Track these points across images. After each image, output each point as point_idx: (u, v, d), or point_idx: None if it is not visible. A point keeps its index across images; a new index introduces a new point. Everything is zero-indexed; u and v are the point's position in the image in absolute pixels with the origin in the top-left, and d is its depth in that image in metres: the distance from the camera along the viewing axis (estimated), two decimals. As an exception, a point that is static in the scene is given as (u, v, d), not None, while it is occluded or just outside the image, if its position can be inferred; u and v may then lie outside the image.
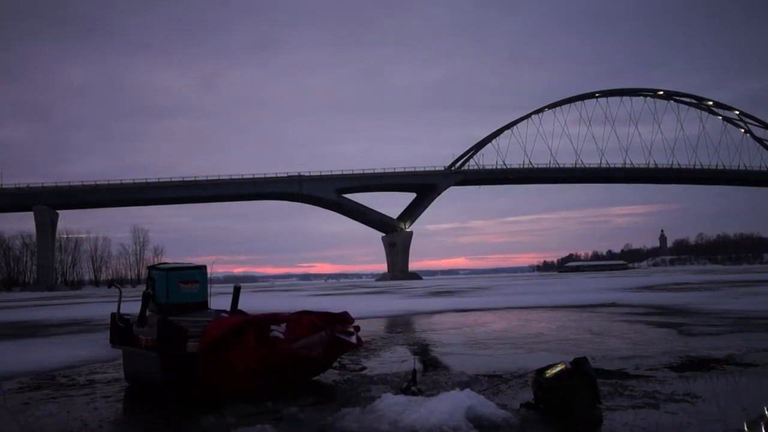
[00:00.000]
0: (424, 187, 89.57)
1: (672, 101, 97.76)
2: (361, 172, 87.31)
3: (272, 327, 3.35)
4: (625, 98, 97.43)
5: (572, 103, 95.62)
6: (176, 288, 3.36)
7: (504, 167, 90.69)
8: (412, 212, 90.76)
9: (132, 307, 3.67)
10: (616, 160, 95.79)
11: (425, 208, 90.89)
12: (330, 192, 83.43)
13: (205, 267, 3.54)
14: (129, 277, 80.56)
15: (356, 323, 3.82)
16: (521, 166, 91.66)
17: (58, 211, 78.15)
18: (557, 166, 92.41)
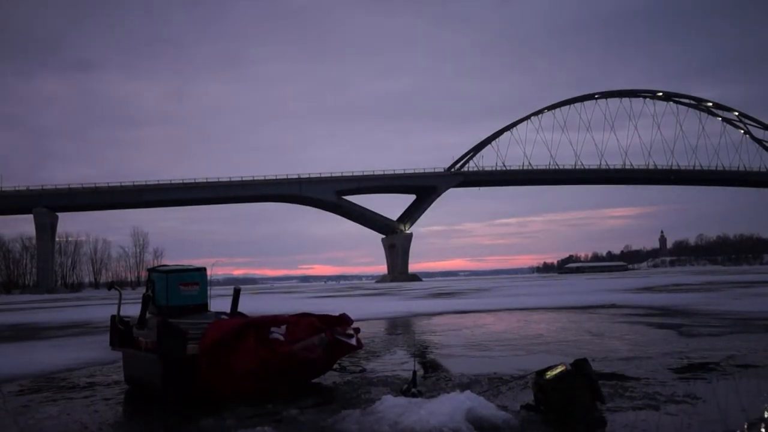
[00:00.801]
0: (424, 188, 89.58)
1: (671, 102, 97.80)
2: (361, 173, 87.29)
3: (272, 329, 3.35)
4: (625, 99, 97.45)
5: (571, 105, 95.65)
6: (176, 290, 3.36)
7: (504, 168, 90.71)
8: (411, 214, 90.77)
9: (132, 310, 3.67)
10: (615, 162, 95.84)
11: (425, 210, 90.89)
12: (330, 194, 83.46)
13: (204, 269, 3.54)
14: (129, 280, 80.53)
15: (356, 325, 3.82)
16: (521, 168, 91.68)
17: (58, 214, 78.12)
18: (557, 167, 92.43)
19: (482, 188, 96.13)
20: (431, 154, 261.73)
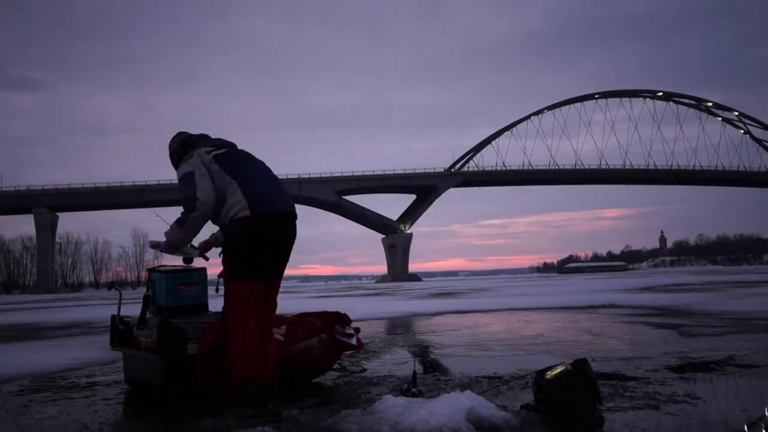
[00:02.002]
0: (424, 188, 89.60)
1: (671, 102, 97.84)
2: (361, 173, 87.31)
3: (272, 329, 3.35)
4: (625, 99, 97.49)
5: (571, 105, 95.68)
6: (176, 290, 3.36)
7: (504, 168, 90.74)
8: (411, 214, 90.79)
9: (132, 310, 3.67)
10: (615, 162, 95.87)
11: (425, 210, 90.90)
12: (330, 194, 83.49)
13: (204, 269, 3.54)
14: (129, 280, 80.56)
15: (356, 325, 3.82)
16: (521, 168, 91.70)
17: (58, 214, 78.11)
18: (557, 167, 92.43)
19: (487, 188, 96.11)
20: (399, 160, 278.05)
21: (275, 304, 3.25)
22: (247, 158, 3.21)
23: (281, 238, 3.07)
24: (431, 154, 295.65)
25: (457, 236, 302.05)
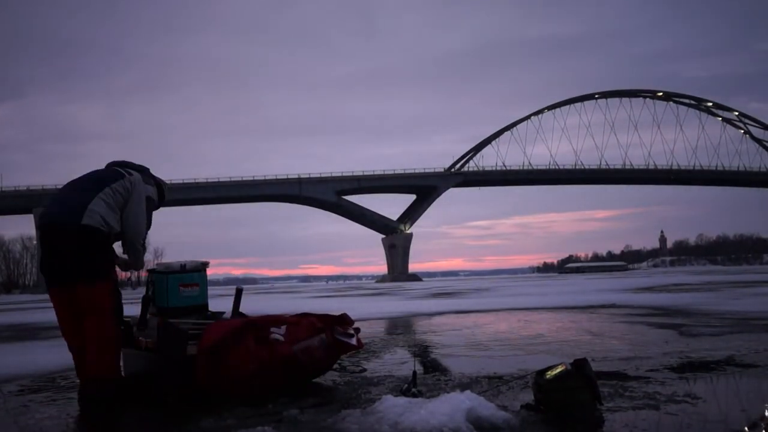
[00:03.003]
0: (424, 188, 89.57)
1: (671, 102, 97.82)
2: (361, 173, 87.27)
3: (272, 329, 3.35)
4: (625, 99, 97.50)
5: (571, 105, 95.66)
6: (176, 291, 3.36)
7: (504, 168, 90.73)
8: (412, 214, 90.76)
9: (132, 310, 3.66)
10: (615, 162, 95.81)
11: (425, 210, 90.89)
12: (330, 194, 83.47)
13: (204, 270, 3.54)
14: (129, 280, 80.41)
15: (356, 325, 3.82)
16: (521, 168, 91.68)
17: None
18: (557, 167, 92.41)
19: (487, 188, 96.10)
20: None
21: (86, 312, 3.15)
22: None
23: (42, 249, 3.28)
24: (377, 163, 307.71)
25: (457, 236, 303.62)
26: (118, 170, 3.41)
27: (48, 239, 3.24)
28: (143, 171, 3.56)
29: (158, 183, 3.70)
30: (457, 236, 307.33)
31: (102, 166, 3.54)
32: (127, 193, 3.31)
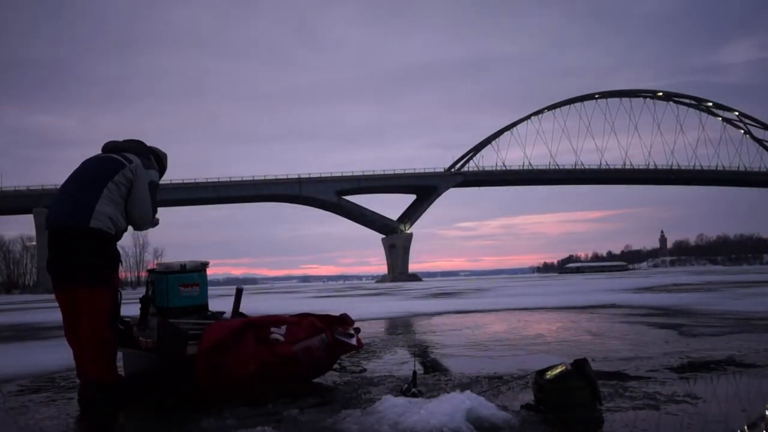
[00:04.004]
0: (424, 188, 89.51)
1: (671, 102, 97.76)
2: (361, 173, 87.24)
3: (272, 329, 3.35)
4: (625, 99, 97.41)
5: (571, 105, 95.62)
6: (176, 291, 3.36)
7: (504, 168, 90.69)
8: (412, 214, 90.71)
9: (132, 310, 3.66)
10: (615, 161, 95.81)
11: (425, 210, 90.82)
12: (330, 194, 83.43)
13: (204, 270, 3.53)
14: (129, 280, 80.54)
15: (356, 325, 3.82)
16: (521, 168, 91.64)
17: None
18: (557, 167, 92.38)
19: (487, 187, 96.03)
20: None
21: (82, 315, 3.14)
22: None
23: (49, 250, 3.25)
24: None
25: (457, 236, 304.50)
26: (116, 159, 3.29)
27: (55, 241, 3.19)
28: (141, 152, 3.41)
29: (157, 157, 3.58)
30: (457, 236, 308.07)
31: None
32: (129, 183, 3.24)
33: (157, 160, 3.58)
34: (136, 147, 3.45)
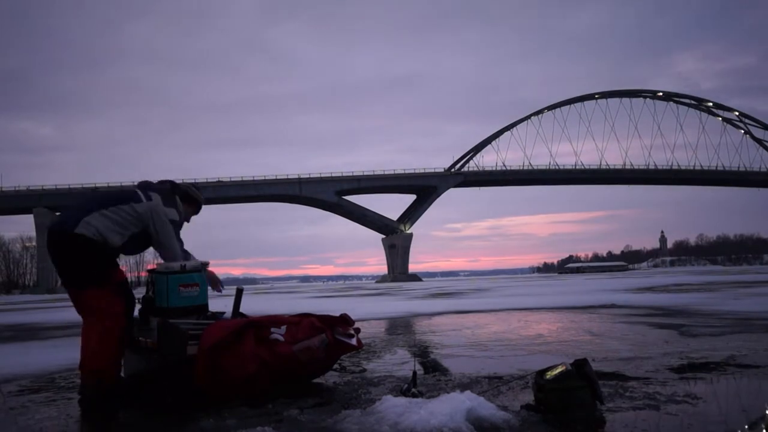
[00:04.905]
0: (424, 188, 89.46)
1: (671, 102, 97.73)
2: (361, 173, 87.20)
3: (272, 329, 3.35)
4: (625, 99, 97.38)
5: (572, 105, 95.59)
6: (176, 291, 3.36)
7: (504, 168, 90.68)
8: (412, 214, 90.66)
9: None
10: (615, 161, 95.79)
11: (425, 210, 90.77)
12: (330, 194, 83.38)
13: (204, 271, 3.53)
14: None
15: (357, 325, 3.82)
16: (521, 168, 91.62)
17: (58, 214, 77.89)
18: (557, 167, 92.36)
19: (487, 188, 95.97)
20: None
21: (80, 311, 3.33)
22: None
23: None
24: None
25: (458, 236, 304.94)
26: (132, 192, 3.46)
27: (48, 244, 3.39)
28: (164, 192, 3.54)
29: (188, 196, 3.70)
30: (457, 236, 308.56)
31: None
32: (136, 215, 3.34)
33: (187, 198, 3.71)
34: (160, 187, 3.61)
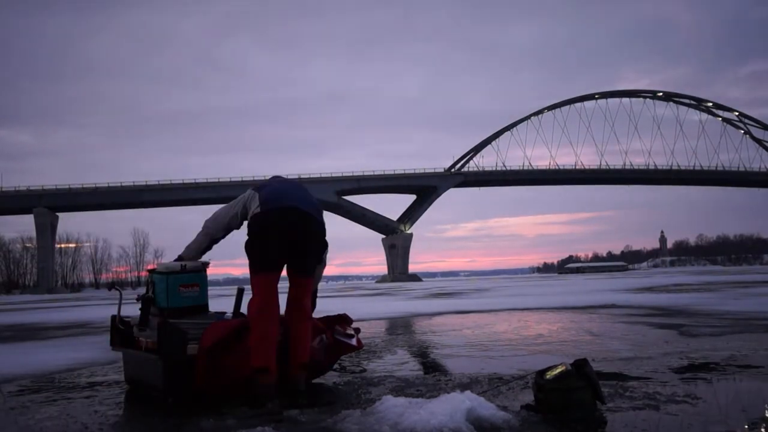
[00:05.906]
0: (424, 188, 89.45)
1: (671, 102, 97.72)
2: (361, 173, 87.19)
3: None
4: (625, 99, 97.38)
5: (572, 105, 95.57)
6: (176, 291, 3.36)
7: (504, 169, 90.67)
8: (412, 214, 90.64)
9: (132, 310, 3.66)
10: (615, 162, 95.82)
11: (425, 210, 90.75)
12: (330, 194, 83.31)
13: (204, 271, 3.53)
14: (129, 280, 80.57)
15: (356, 325, 3.82)
16: (521, 168, 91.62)
17: (58, 214, 77.96)
18: (557, 167, 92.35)
19: (487, 188, 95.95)
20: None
21: (297, 297, 3.30)
22: (277, 180, 3.59)
23: (283, 228, 3.18)
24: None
25: (457, 236, 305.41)
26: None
27: (287, 219, 3.18)
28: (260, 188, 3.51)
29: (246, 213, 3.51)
30: (457, 236, 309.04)
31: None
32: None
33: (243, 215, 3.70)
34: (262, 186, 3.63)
